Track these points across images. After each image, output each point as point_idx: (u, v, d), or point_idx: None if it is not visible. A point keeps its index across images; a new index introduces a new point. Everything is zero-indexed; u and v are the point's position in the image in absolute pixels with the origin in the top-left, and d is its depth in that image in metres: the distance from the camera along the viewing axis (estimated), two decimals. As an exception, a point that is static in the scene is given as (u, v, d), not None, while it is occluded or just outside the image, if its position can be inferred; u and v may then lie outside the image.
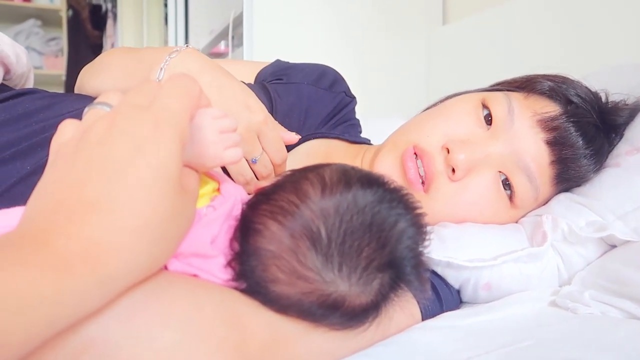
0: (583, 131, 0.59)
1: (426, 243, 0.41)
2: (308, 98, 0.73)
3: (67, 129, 0.33)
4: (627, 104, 0.64)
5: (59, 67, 3.53)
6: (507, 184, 0.59)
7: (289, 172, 0.43)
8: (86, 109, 0.34)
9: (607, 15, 1.02)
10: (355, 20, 1.57)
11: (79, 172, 0.29)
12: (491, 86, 0.73)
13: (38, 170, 0.51)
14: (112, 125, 0.30)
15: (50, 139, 0.34)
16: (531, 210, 0.63)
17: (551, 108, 0.60)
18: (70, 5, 3.53)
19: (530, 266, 0.56)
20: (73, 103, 0.60)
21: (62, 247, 0.25)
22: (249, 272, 0.37)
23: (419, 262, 0.39)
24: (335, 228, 0.36)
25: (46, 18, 3.54)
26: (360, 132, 0.83)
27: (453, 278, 0.56)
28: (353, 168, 0.42)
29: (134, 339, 0.29)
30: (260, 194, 0.41)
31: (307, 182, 0.39)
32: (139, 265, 0.28)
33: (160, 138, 0.30)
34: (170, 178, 0.29)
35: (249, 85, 0.74)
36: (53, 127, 0.35)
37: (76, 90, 0.72)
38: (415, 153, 0.60)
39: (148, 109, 0.31)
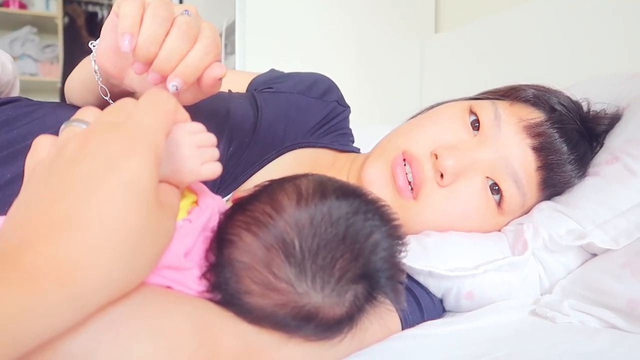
0: (567, 137, 0.59)
1: (403, 254, 0.41)
2: (296, 107, 0.72)
3: (41, 146, 0.33)
4: (607, 113, 0.65)
5: (54, 74, 3.52)
6: (495, 189, 0.59)
7: (267, 182, 0.43)
8: (62, 126, 0.34)
9: (596, 26, 1.02)
10: (348, 29, 1.58)
11: (52, 190, 0.29)
12: (476, 95, 0.73)
13: (17, 179, 0.50)
14: (86, 143, 0.30)
15: (30, 147, 0.34)
16: (515, 218, 0.63)
17: (536, 115, 0.60)
18: (66, 13, 3.53)
19: (512, 275, 0.56)
20: (55, 110, 0.60)
21: (30, 265, 0.25)
22: (223, 284, 0.37)
23: (394, 274, 0.39)
24: (309, 240, 0.36)
25: (42, 25, 3.53)
26: (353, 141, 0.82)
27: (435, 287, 0.57)
28: (330, 179, 0.42)
29: (102, 355, 0.29)
30: (237, 205, 0.41)
31: (282, 193, 0.39)
32: (112, 281, 0.28)
33: (133, 154, 0.30)
34: (143, 194, 0.29)
35: (239, 94, 0.74)
36: (33, 135, 0.35)
37: (67, 98, 0.71)
38: (404, 159, 0.60)
39: (122, 125, 0.31)
